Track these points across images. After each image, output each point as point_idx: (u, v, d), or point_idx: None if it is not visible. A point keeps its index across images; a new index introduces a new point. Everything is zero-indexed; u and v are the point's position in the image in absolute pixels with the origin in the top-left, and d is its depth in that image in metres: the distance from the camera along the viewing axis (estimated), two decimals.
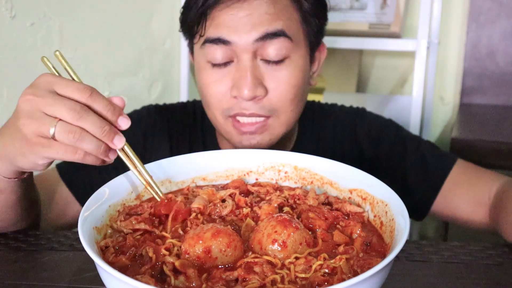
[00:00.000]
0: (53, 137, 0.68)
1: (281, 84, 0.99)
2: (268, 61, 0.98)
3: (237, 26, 0.97)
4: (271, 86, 0.99)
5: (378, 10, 1.90)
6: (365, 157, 1.16)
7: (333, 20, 1.95)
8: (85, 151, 0.69)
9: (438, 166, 1.11)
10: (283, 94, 0.99)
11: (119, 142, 0.71)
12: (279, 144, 1.08)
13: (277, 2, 0.99)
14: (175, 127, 1.20)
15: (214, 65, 1.00)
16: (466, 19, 2.02)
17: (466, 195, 1.06)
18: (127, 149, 0.74)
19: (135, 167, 0.75)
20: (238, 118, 1.01)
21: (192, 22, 1.02)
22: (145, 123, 1.19)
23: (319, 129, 1.18)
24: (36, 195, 0.95)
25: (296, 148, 1.16)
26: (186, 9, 1.05)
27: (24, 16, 1.32)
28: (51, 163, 0.76)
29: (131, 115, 1.21)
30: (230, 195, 0.79)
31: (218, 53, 0.98)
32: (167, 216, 0.73)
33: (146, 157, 1.16)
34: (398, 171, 1.14)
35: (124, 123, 0.71)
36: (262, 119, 1.01)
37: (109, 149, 0.71)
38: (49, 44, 1.42)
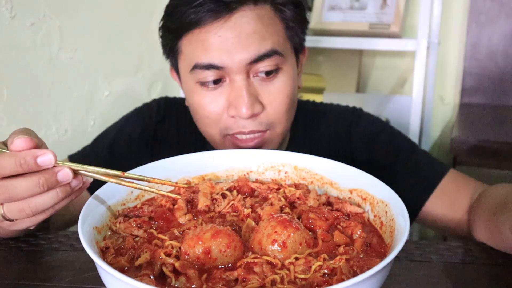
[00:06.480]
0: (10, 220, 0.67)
1: (277, 97, 0.98)
2: (261, 77, 0.97)
3: (227, 49, 0.94)
4: (267, 100, 0.98)
5: (378, 10, 1.90)
6: (358, 159, 1.14)
7: (333, 20, 1.95)
8: (52, 205, 0.65)
9: (430, 173, 1.08)
10: (279, 106, 0.99)
11: (63, 175, 0.64)
12: None
13: (262, 17, 0.96)
14: (182, 120, 1.19)
15: (206, 86, 0.98)
16: (466, 19, 2.02)
17: (452, 203, 1.03)
18: (127, 174, 0.71)
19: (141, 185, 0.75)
20: (237, 136, 1.00)
21: (174, 45, 1.01)
22: (156, 115, 1.19)
23: (312, 129, 1.17)
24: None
25: (289, 150, 1.15)
26: (165, 32, 1.03)
27: (24, 16, 1.32)
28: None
29: (141, 109, 1.22)
30: (229, 189, 0.81)
31: (209, 76, 0.96)
32: (166, 222, 0.74)
33: (155, 149, 1.17)
34: (390, 177, 1.12)
35: (47, 160, 0.62)
36: (259, 133, 1.00)
37: (66, 184, 0.65)
38: (49, 44, 1.42)
